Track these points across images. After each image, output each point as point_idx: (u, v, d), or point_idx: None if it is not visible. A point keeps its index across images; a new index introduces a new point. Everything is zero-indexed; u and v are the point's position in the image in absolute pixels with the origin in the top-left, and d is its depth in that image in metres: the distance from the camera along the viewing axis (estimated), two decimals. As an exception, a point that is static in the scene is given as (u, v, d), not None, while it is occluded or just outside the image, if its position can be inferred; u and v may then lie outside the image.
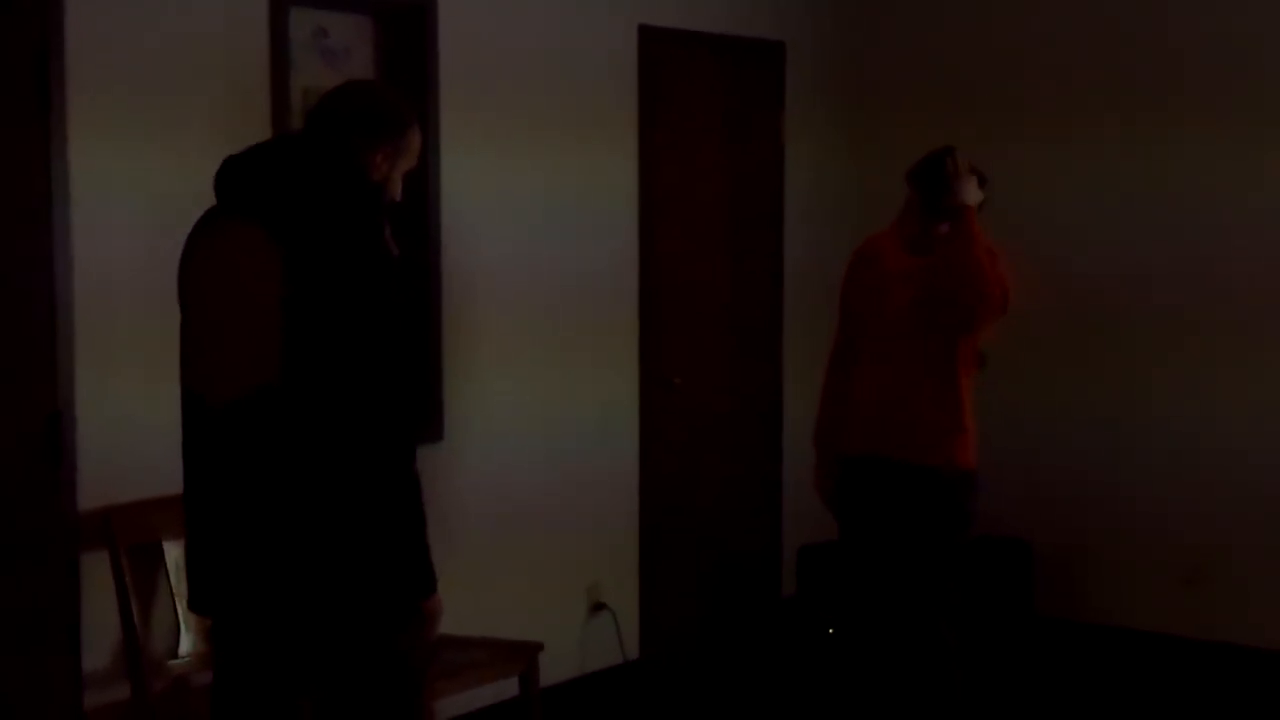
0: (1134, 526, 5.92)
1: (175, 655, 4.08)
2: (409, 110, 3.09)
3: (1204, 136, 5.66)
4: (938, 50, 6.27)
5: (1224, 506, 5.72)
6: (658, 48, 5.55)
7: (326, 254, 2.80)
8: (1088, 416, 5.99)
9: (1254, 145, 5.57)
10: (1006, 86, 6.11)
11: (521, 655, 4.56)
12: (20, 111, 3.84)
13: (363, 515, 2.82)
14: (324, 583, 2.84)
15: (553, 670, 4.98)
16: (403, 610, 2.92)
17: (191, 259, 2.97)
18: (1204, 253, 5.71)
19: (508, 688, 4.68)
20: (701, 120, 5.86)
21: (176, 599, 4.04)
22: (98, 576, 3.97)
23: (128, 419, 4.01)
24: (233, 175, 2.94)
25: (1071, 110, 5.95)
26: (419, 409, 4.68)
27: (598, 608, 5.48)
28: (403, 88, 4.69)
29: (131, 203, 4.03)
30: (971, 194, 4.30)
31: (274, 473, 2.83)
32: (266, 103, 4.33)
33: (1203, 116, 5.66)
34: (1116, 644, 5.89)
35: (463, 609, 4.39)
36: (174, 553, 4.02)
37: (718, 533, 6.01)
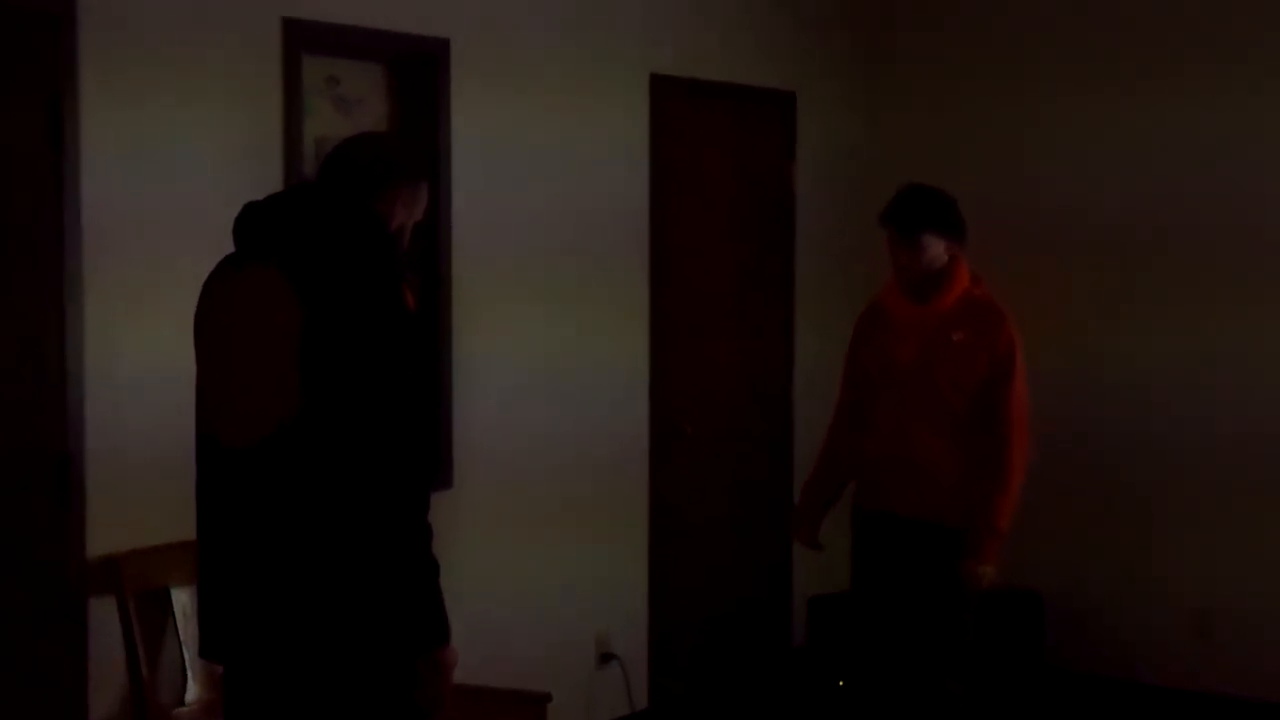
0: (1144, 578, 5.89)
1: (181, 702, 4.06)
2: (421, 162, 3.12)
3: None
4: (947, 100, 6.29)
5: (1234, 559, 5.69)
6: (669, 97, 5.57)
7: (344, 300, 2.80)
8: (1097, 469, 5.97)
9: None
10: (1015, 134, 6.13)
11: (530, 706, 4.53)
12: (34, 155, 3.85)
13: (376, 562, 2.81)
14: (337, 631, 2.82)
15: (561, 721, 4.95)
16: (417, 660, 2.90)
17: (210, 304, 2.97)
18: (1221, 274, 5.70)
19: (516, 738, 4.65)
20: (713, 169, 5.87)
21: (183, 646, 4.03)
22: (105, 622, 3.96)
23: (136, 464, 4.00)
24: (252, 221, 2.95)
25: (1088, 148, 5.97)
26: (431, 457, 4.66)
27: (606, 658, 5.45)
28: (416, 136, 4.72)
29: (143, 248, 4.04)
30: (984, 577, 4.38)
31: (288, 518, 2.82)
32: (280, 151, 4.34)
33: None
34: (1127, 696, 5.85)
35: (471, 659, 4.38)
36: (181, 599, 4.01)
37: (727, 582, 5.98)
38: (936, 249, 4.36)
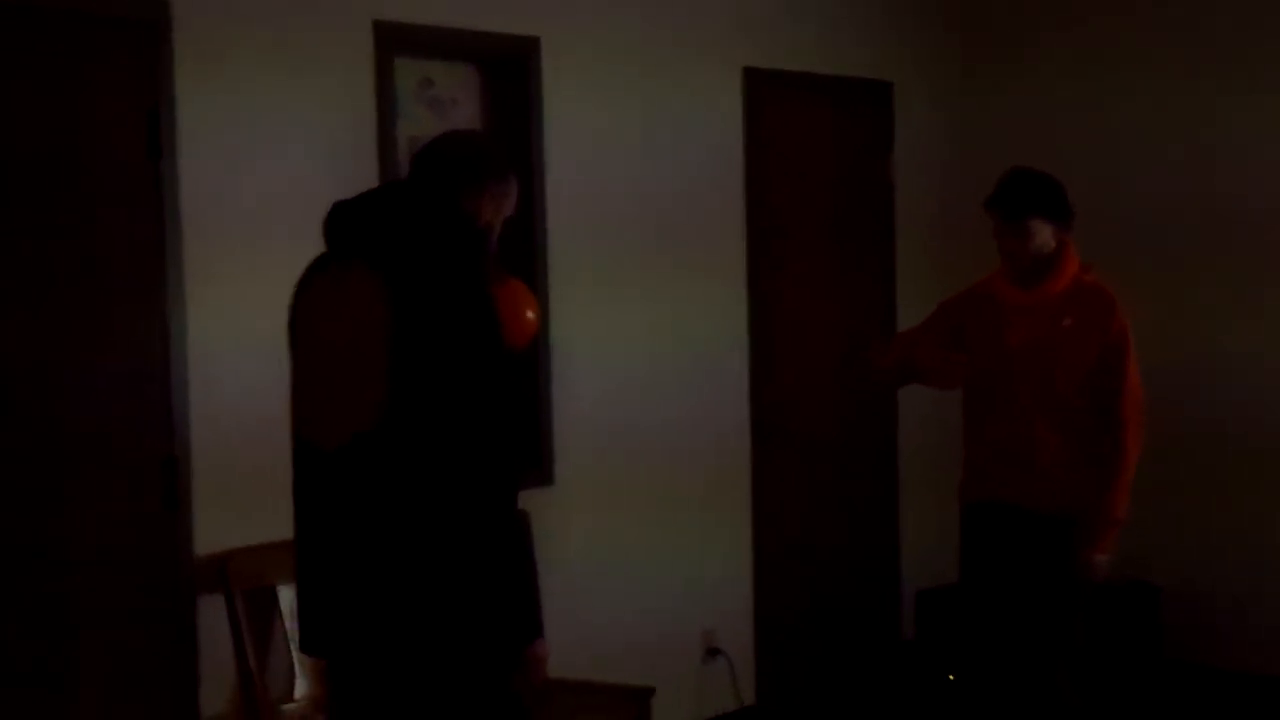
0: (1265, 567, 5.75)
1: (290, 699, 4.12)
2: (508, 158, 3.14)
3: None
4: (1046, 85, 6.21)
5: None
6: (763, 90, 5.55)
7: (433, 298, 2.82)
8: (1216, 453, 5.84)
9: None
10: (1111, 115, 6.03)
11: (635, 700, 4.54)
12: (134, 164, 3.94)
13: (469, 558, 2.83)
14: (432, 625, 2.84)
15: (667, 716, 4.94)
16: (509, 654, 2.92)
17: (301, 303, 3.01)
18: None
19: (621, 733, 4.65)
20: (809, 162, 5.84)
21: (291, 642, 4.08)
22: (214, 620, 4.03)
23: (241, 463, 4.07)
24: (342, 220, 2.98)
25: (1190, 130, 5.86)
26: (523, 452, 4.69)
27: (713, 652, 5.44)
28: (508, 134, 4.75)
29: (241, 252, 4.11)
30: (1101, 566, 4.30)
31: (381, 515, 2.85)
32: (374, 152, 4.40)
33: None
34: (1247, 690, 5.72)
35: (576, 653, 4.41)
36: (288, 596, 4.06)
37: (834, 576, 5.94)
38: (1044, 234, 4.29)
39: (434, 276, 2.84)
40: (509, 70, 4.81)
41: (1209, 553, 5.89)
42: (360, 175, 4.28)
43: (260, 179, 4.18)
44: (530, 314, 3.23)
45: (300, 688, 4.12)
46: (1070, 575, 4.29)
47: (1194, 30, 5.87)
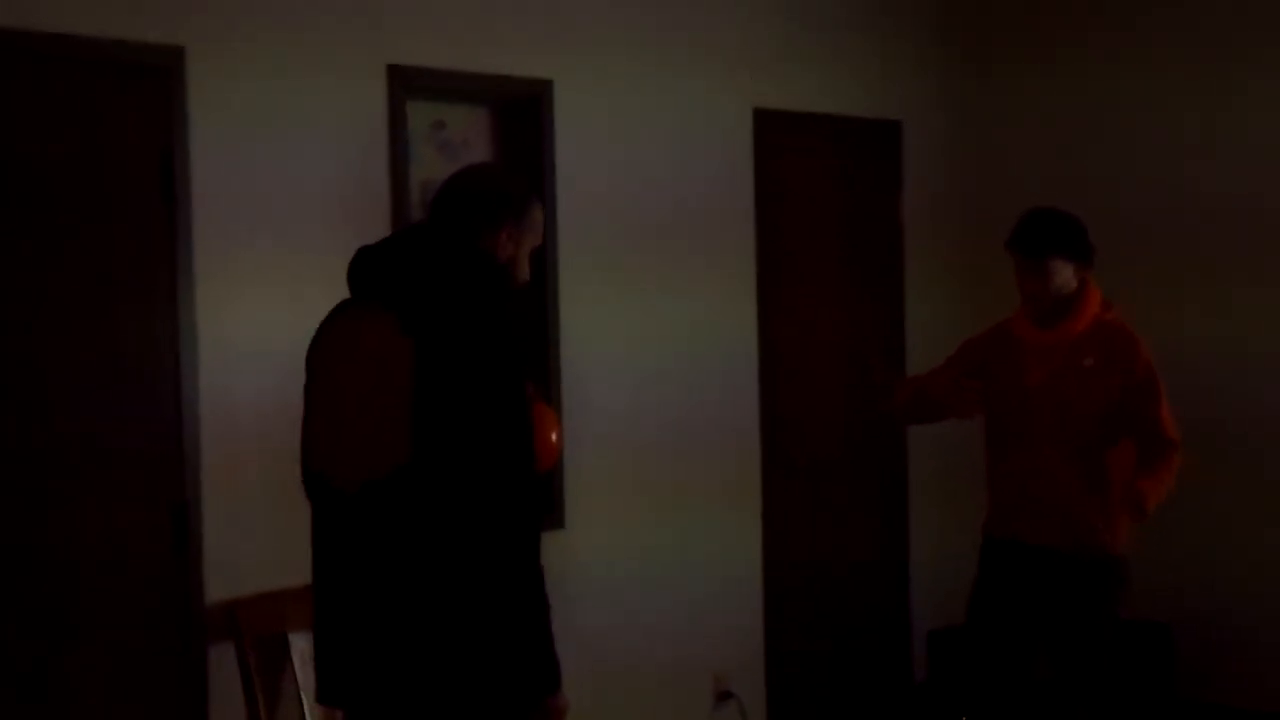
0: (1274, 604, 5.72)
1: (301, 747, 4.09)
2: (528, 187, 3.11)
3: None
4: (1055, 121, 6.21)
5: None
6: (773, 130, 5.55)
7: (455, 342, 2.81)
8: (1226, 494, 5.82)
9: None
10: (1116, 147, 6.03)
11: (647, 746, 4.50)
12: (147, 207, 3.93)
13: (490, 607, 2.80)
14: (452, 676, 2.81)
15: (679, 761, 4.92)
16: (528, 706, 2.89)
17: (322, 346, 2.99)
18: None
19: (634, 779, 4.62)
20: (819, 202, 5.83)
21: (302, 690, 4.05)
22: (224, 668, 4.00)
23: (252, 511, 4.05)
24: (365, 265, 2.97)
25: (1205, 154, 5.85)
26: (543, 499, 4.66)
27: (724, 696, 5.40)
28: (520, 177, 4.73)
29: (255, 297, 4.10)
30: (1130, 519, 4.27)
31: (401, 561, 2.83)
32: (386, 195, 4.38)
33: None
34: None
35: (585, 699, 4.36)
36: (299, 644, 4.04)
37: (845, 618, 5.91)
38: (1065, 274, 4.28)
39: (453, 318, 2.83)
40: (521, 112, 4.81)
41: (1218, 590, 5.86)
42: (373, 218, 4.28)
43: (273, 221, 4.16)
44: (554, 437, 3.22)
45: (311, 736, 4.09)
46: (1088, 614, 4.26)
47: (1200, 61, 5.87)
